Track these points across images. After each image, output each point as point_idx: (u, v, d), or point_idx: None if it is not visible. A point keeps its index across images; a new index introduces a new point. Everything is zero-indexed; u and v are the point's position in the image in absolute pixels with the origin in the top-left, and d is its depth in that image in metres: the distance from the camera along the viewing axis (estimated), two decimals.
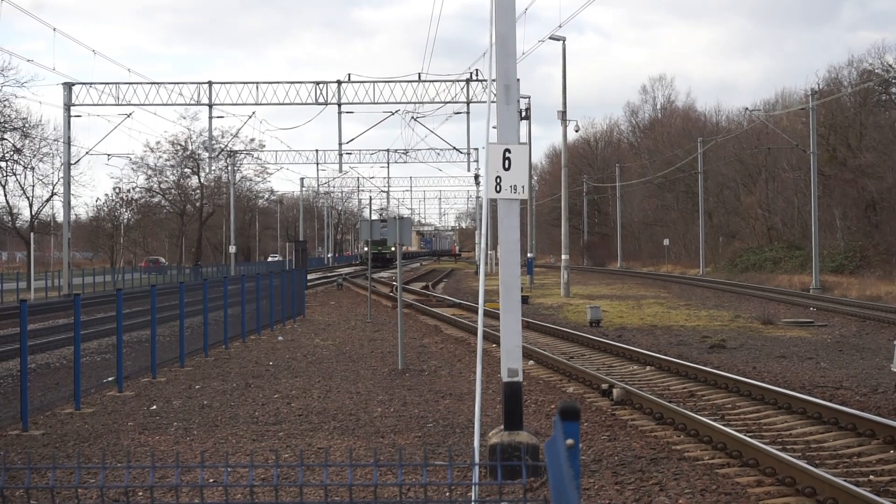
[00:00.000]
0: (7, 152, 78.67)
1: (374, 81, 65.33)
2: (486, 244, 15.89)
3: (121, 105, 64.61)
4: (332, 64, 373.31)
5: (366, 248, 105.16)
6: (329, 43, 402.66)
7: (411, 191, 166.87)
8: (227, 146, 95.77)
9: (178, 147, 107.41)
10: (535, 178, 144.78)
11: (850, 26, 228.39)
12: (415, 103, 66.89)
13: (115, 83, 64.09)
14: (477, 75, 64.29)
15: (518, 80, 17.30)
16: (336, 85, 65.04)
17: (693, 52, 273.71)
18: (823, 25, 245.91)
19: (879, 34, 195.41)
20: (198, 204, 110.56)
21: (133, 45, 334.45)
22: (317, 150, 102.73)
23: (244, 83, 65.23)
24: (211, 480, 13.21)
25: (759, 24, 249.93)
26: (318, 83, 65.03)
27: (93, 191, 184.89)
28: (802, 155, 71.95)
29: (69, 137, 65.34)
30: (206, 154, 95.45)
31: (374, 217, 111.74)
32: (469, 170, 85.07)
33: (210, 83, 65.03)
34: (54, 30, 63.60)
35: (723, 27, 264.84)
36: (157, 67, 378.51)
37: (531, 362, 25.75)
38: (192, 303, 29.41)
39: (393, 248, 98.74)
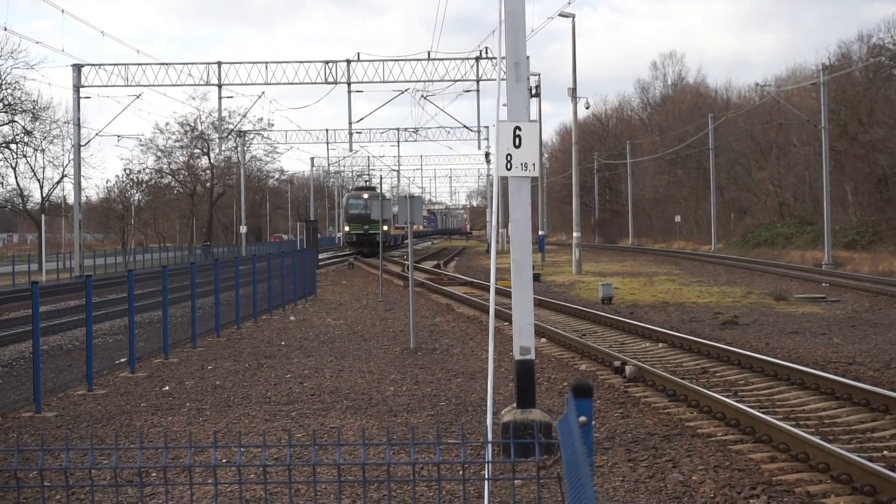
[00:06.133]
0: (17, 135, 78.78)
1: (383, 60, 65.28)
2: (498, 222, 15.80)
3: (130, 86, 64.61)
4: (342, 42, 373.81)
5: (346, 228, 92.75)
6: (340, 20, 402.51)
7: (422, 169, 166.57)
8: (236, 126, 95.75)
9: (188, 128, 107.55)
10: (546, 155, 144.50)
11: None
12: (424, 82, 66.84)
13: (125, 64, 64.12)
14: (487, 53, 64.21)
15: (528, 57, 17.22)
16: (346, 64, 64.98)
17: (709, 27, 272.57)
18: None
19: (894, 6, 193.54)
20: (208, 184, 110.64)
21: (142, 25, 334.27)
22: (327, 130, 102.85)
23: (253, 63, 65.27)
24: (224, 461, 13.22)
25: None
26: (327, 62, 64.96)
27: (103, 172, 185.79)
28: (813, 130, 71.68)
29: (79, 119, 65.37)
30: (216, 134, 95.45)
31: (360, 187, 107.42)
32: (479, 148, 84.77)
33: (219, 63, 65.02)
34: (62, 11, 63.59)
35: (738, 1, 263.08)
36: (166, 48, 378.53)
37: (543, 340, 25.73)
38: (203, 283, 29.44)
39: (386, 228, 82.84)
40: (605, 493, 11.75)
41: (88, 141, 72.12)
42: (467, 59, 65.27)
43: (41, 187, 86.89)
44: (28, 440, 15.03)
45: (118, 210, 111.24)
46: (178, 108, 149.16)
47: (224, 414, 16.88)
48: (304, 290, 41.96)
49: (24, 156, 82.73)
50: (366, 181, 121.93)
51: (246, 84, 65.52)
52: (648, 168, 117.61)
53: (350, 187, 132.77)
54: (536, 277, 46.15)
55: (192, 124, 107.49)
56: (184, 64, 64.95)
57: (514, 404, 13.88)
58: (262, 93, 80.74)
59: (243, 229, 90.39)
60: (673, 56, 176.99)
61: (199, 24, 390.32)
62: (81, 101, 64.88)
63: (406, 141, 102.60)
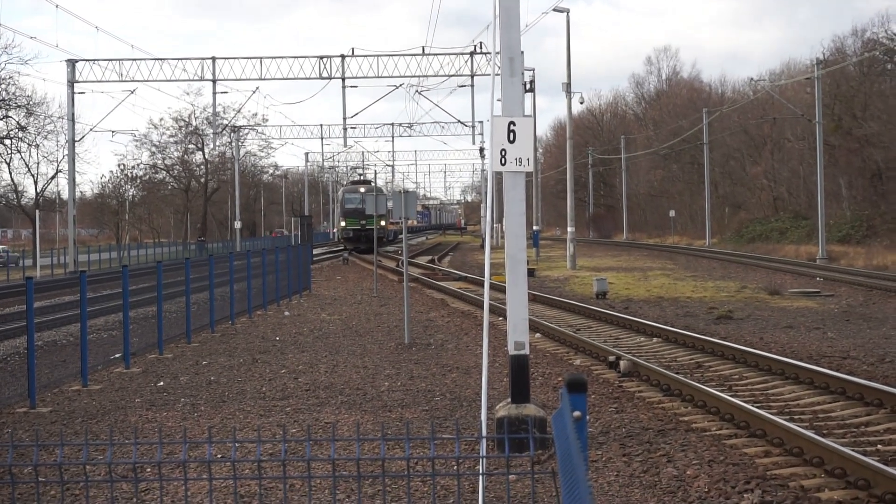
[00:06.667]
0: (12, 130, 78.76)
1: (377, 55, 65.30)
2: (492, 217, 15.86)
3: (124, 81, 64.67)
4: (336, 37, 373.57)
5: (342, 223, 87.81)
6: (335, 13, 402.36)
7: (416, 164, 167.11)
8: (230, 122, 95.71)
9: (182, 123, 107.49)
10: (541, 150, 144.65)
11: None
12: (419, 77, 66.86)
13: (119, 59, 64.12)
14: (481, 48, 64.29)
15: (522, 52, 17.21)
16: (340, 59, 64.95)
17: (704, 21, 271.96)
18: None
19: (890, 1, 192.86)
20: (202, 180, 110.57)
21: (136, 20, 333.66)
22: (321, 125, 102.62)
23: (248, 58, 65.23)
24: (219, 456, 13.22)
25: None
26: (321, 57, 64.95)
27: (97, 168, 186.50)
28: (808, 125, 71.76)
29: (73, 114, 65.33)
30: (210, 130, 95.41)
31: (356, 180, 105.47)
32: (474, 143, 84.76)
33: (214, 59, 64.98)
34: (56, 6, 63.38)
35: None
36: (160, 42, 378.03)
37: (538, 335, 25.74)
38: (197, 279, 29.42)
39: (383, 223, 78.79)
40: (600, 487, 11.76)
41: (83, 136, 71.92)
42: (462, 54, 65.35)
43: (35, 183, 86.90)
44: (23, 436, 15.02)
45: (112, 205, 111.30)
46: (173, 104, 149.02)
47: (219, 409, 16.88)
48: (298, 285, 41.95)
49: (19, 151, 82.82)
50: (360, 174, 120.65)
51: (240, 79, 65.61)
52: (643, 163, 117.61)
53: (345, 182, 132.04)
54: (531, 272, 46.14)
55: (187, 120, 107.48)
56: (178, 59, 64.99)
57: (509, 399, 13.89)
58: (257, 88, 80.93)
59: (238, 224, 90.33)
60: (667, 51, 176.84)
61: (193, 18, 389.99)
62: (76, 96, 64.88)
63: (400, 136, 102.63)
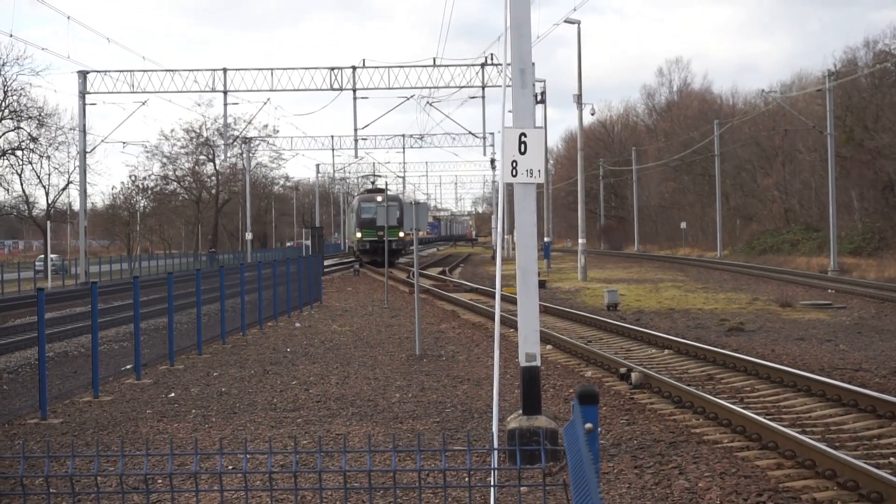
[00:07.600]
0: (23, 141, 79.03)
1: (388, 67, 65.41)
2: (503, 229, 15.79)
3: (135, 93, 64.84)
4: (348, 47, 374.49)
5: (358, 235, 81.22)
6: (348, 20, 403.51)
7: (427, 176, 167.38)
8: (241, 133, 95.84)
9: (193, 134, 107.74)
10: (552, 161, 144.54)
11: (873, 5, 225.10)
12: (430, 88, 66.94)
13: (130, 71, 64.32)
14: (492, 59, 64.38)
15: (533, 63, 17.21)
16: (351, 70, 65.06)
17: (714, 32, 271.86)
18: (847, 3, 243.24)
19: None
20: (213, 191, 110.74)
21: (148, 29, 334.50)
22: (332, 136, 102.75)
23: (259, 69, 65.37)
24: (230, 467, 13.21)
25: (781, 2, 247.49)
26: (332, 69, 65.07)
27: (108, 179, 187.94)
28: (819, 136, 71.64)
29: (84, 125, 65.49)
30: (221, 141, 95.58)
31: (368, 188, 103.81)
32: (485, 154, 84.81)
33: (224, 70, 65.13)
34: (68, 18, 63.58)
35: (744, 6, 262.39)
36: (171, 51, 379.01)
37: (549, 347, 25.71)
38: (208, 290, 29.44)
39: (402, 234, 73.66)
40: (612, 499, 11.73)
41: (94, 147, 72.12)
42: (473, 65, 65.43)
43: (47, 194, 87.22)
44: (34, 447, 15.03)
45: (123, 216, 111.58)
46: (184, 115, 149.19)
47: (230, 421, 16.87)
48: (309, 296, 41.95)
49: (30, 162, 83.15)
50: (372, 182, 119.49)
51: (251, 90, 65.74)
52: (654, 174, 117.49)
53: (355, 193, 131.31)
54: (542, 284, 46.10)
55: (198, 131, 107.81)
56: (189, 70, 65.15)
57: (520, 411, 13.87)
58: (268, 99, 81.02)
59: (249, 236, 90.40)
60: (679, 62, 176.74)
61: (202, 26, 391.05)
62: (87, 107, 65.05)
63: (411, 147, 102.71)
